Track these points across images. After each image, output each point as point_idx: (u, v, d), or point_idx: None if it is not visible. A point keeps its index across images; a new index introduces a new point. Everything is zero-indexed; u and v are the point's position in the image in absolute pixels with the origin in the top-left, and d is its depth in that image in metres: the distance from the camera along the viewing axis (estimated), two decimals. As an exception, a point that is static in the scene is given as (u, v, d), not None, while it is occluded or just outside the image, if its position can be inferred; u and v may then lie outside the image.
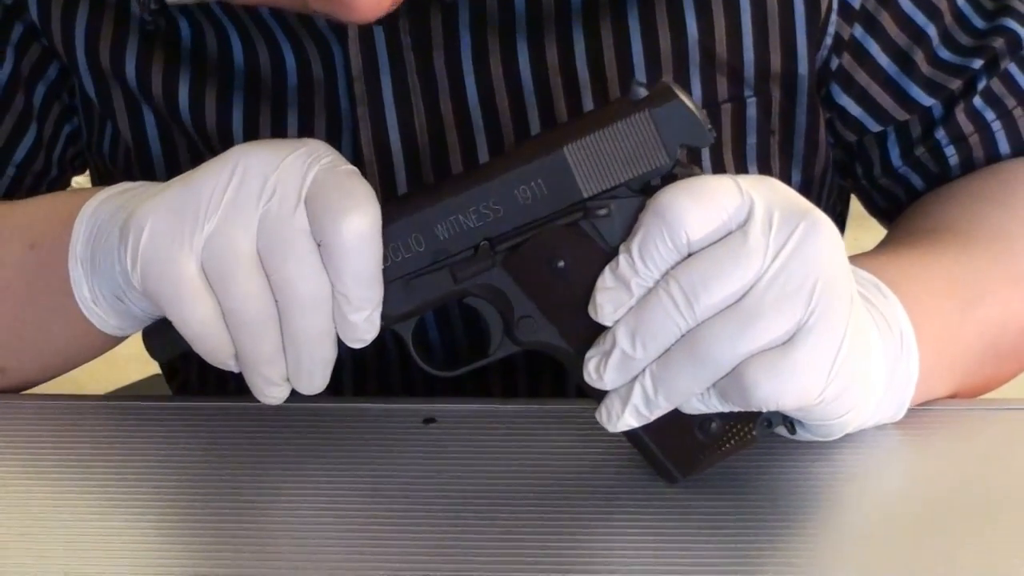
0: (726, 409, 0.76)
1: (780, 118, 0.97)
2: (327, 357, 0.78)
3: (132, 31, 0.96)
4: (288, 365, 0.78)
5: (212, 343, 0.79)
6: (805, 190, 1.00)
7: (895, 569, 0.74)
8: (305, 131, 0.95)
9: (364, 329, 0.78)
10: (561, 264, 0.77)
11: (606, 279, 0.75)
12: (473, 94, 0.94)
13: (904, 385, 0.82)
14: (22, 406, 0.89)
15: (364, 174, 0.89)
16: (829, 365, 0.74)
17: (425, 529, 0.77)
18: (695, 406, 0.76)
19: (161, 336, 0.81)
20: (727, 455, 0.78)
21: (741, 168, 0.98)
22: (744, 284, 0.73)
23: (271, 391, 0.79)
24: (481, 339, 0.81)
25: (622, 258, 0.75)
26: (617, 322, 0.75)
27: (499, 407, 0.87)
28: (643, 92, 0.76)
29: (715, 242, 0.74)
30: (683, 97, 0.76)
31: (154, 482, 0.82)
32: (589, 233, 0.76)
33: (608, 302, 0.75)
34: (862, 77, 0.98)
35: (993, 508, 0.78)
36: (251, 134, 0.96)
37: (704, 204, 0.74)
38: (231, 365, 0.80)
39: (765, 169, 0.98)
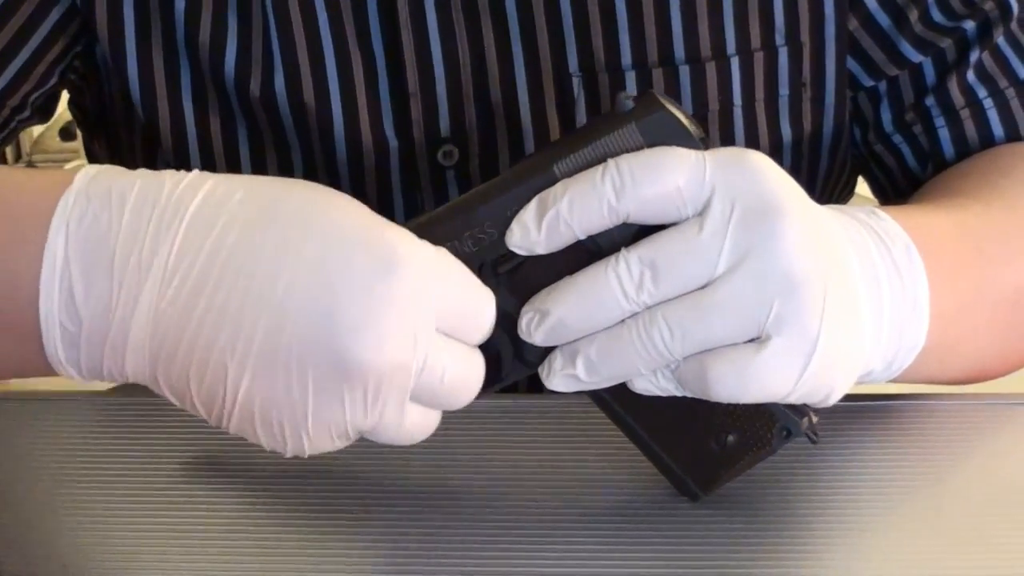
0: (679, 393, 0.75)
1: (811, 69, 0.98)
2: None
3: None
4: None
5: None
6: (834, 147, 1.01)
7: (899, 569, 0.74)
8: (344, 75, 0.96)
9: None
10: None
11: (530, 210, 0.74)
12: (515, 27, 0.96)
13: (913, 314, 0.79)
14: (24, 402, 0.89)
15: (407, 109, 0.91)
16: (799, 371, 0.73)
17: (428, 525, 0.77)
18: (644, 386, 0.75)
19: None
20: (746, 468, 0.77)
21: (774, 124, 0.99)
22: (694, 276, 0.72)
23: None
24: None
25: (551, 195, 0.74)
26: (560, 290, 0.74)
27: (499, 402, 0.86)
28: (630, 104, 0.75)
29: (669, 225, 0.73)
30: (669, 106, 0.75)
31: (155, 478, 0.82)
32: (588, 247, 0.75)
33: (520, 230, 0.74)
34: (854, 25, 0.99)
35: (997, 505, 0.78)
36: (294, 92, 0.97)
37: (653, 177, 0.72)
38: None
39: (797, 125, 0.99)
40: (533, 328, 0.75)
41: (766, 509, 0.78)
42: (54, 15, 0.99)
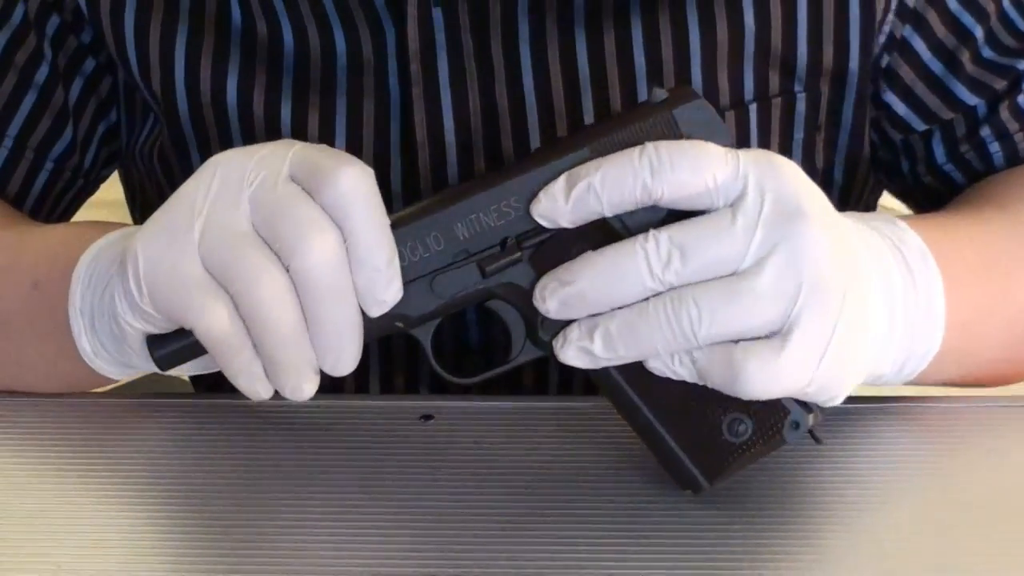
0: (691, 380, 0.75)
1: (828, 114, 0.98)
2: (352, 324, 0.75)
3: (182, 19, 0.97)
4: (315, 345, 0.75)
5: (232, 344, 0.76)
6: (847, 185, 1.01)
7: (900, 570, 0.74)
8: (353, 114, 0.96)
9: (383, 287, 0.75)
10: None
11: (560, 182, 0.75)
12: (529, 80, 0.95)
13: (926, 323, 0.80)
14: (24, 403, 0.89)
15: (415, 157, 0.91)
16: (815, 365, 0.74)
17: (421, 526, 0.77)
18: (656, 367, 0.75)
19: (168, 344, 0.80)
20: (753, 460, 0.77)
21: None
22: (722, 263, 0.73)
23: (301, 384, 0.76)
24: (493, 345, 0.79)
25: (583, 169, 0.75)
26: (583, 262, 0.74)
27: (498, 404, 0.86)
28: (664, 94, 0.77)
29: (700, 212, 0.74)
30: (703, 98, 0.77)
31: (153, 478, 0.82)
32: (615, 227, 0.75)
33: (547, 200, 0.75)
34: (907, 74, 0.98)
35: (1002, 505, 0.78)
36: (299, 124, 0.96)
37: (691, 164, 0.74)
38: (255, 373, 0.77)
39: (809, 164, 0.99)
40: (548, 294, 0.75)
41: (768, 511, 0.78)
42: (87, 66, 1.00)
